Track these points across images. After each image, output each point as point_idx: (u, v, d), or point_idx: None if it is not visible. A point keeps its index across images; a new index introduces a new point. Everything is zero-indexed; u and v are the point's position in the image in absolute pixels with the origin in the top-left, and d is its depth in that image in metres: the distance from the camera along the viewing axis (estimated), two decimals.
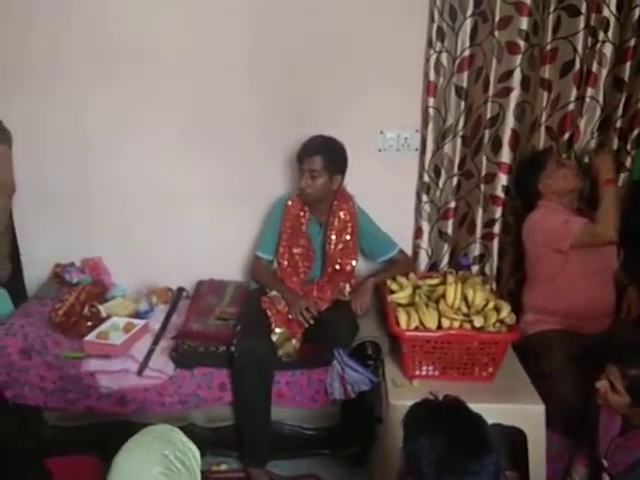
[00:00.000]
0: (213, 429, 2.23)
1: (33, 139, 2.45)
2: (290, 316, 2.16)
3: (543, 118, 2.34)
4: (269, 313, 2.16)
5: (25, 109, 2.41)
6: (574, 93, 2.28)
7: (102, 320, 2.35)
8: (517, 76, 2.25)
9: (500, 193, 2.42)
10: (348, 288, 2.31)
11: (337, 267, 2.32)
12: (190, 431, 2.14)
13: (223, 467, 2.23)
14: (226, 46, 2.32)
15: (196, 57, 2.34)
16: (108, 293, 2.57)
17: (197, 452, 1.23)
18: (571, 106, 2.30)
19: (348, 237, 2.30)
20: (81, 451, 1.78)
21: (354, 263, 2.34)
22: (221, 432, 2.22)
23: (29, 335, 2.18)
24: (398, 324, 1.96)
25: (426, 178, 2.42)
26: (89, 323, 2.31)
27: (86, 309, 2.35)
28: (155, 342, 2.25)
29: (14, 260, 2.52)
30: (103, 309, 2.41)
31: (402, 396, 1.89)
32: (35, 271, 2.65)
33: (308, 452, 2.24)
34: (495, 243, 2.51)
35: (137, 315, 2.44)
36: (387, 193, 2.46)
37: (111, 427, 2.15)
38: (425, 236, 2.52)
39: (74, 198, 2.57)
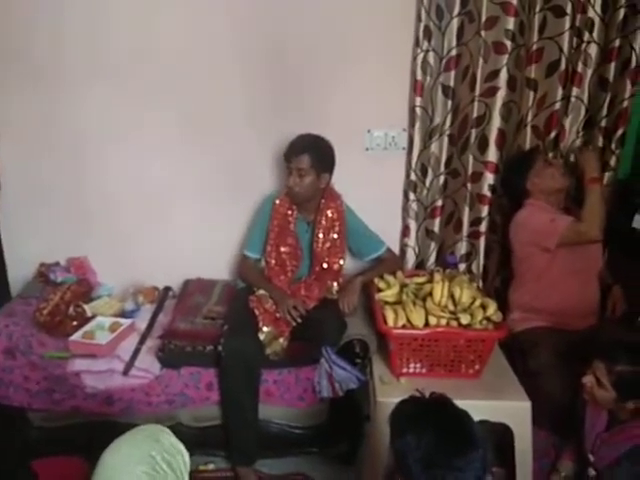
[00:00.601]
0: (200, 428, 2.22)
1: (19, 137, 2.42)
2: (278, 315, 2.16)
3: (529, 117, 2.36)
4: (257, 312, 2.16)
5: (11, 107, 2.38)
6: (560, 93, 2.30)
7: (87, 320, 2.32)
8: (503, 76, 2.27)
9: (487, 192, 2.44)
10: (336, 286, 2.32)
11: (325, 266, 2.32)
12: (177, 431, 2.08)
13: (211, 467, 2.22)
14: (215, 47, 2.32)
15: (184, 58, 2.32)
16: (94, 292, 2.55)
17: (186, 454, 1.23)
18: (557, 105, 2.32)
19: (336, 236, 2.31)
20: (67, 452, 1.77)
21: (342, 262, 2.34)
22: (208, 431, 2.21)
23: (13, 335, 2.16)
24: (385, 322, 1.97)
25: (413, 177, 2.43)
26: (74, 323, 2.29)
27: (71, 309, 2.33)
28: (141, 342, 2.23)
29: None
30: (88, 308, 2.39)
31: (390, 393, 1.89)
32: (19, 270, 2.62)
33: (296, 451, 2.24)
34: (482, 241, 2.52)
35: (123, 314, 2.42)
36: (374, 192, 2.47)
37: (97, 427, 2.13)
38: (412, 234, 2.52)
39: (60, 197, 2.54)
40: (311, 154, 2.17)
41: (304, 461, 2.24)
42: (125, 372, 2.11)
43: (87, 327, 2.27)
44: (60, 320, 2.28)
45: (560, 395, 1.98)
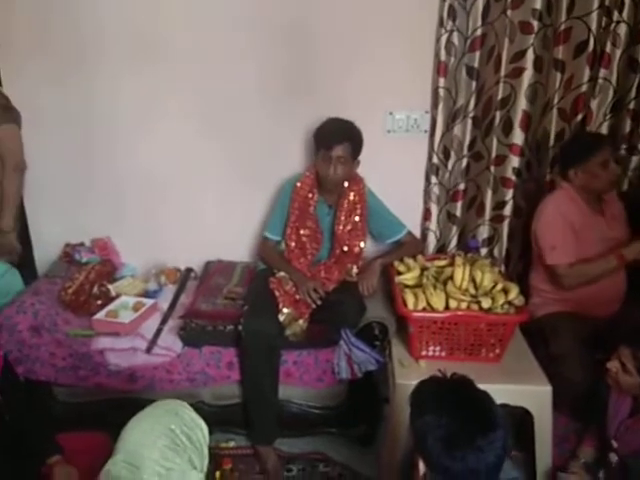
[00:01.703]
0: (221, 406, 2.25)
1: (44, 119, 2.45)
2: (297, 297, 2.17)
3: (556, 99, 2.30)
4: (276, 293, 2.17)
5: (39, 90, 2.41)
6: (587, 74, 2.25)
7: (111, 299, 2.37)
8: (530, 56, 2.23)
9: (511, 175, 2.40)
10: (355, 269, 2.31)
11: (345, 248, 2.32)
12: (199, 408, 2.10)
13: (231, 444, 2.26)
14: (233, 29, 2.31)
15: (203, 42, 2.33)
16: (117, 273, 2.59)
17: (205, 428, 1.25)
18: (584, 87, 2.27)
19: (357, 218, 2.30)
20: (90, 427, 1.80)
21: (362, 245, 2.34)
22: (229, 410, 2.24)
23: (39, 313, 2.20)
24: (405, 305, 1.96)
25: (435, 160, 2.41)
26: (98, 302, 2.34)
27: (95, 288, 2.37)
28: (164, 321, 2.27)
29: (24, 239, 2.54)
30: (112, 288, 2.43)
31: (409, 376, 1.89)
32: (45, 250, 2.68)
33: (315, 431, 2.26)
34: (505, 226, 2.49)
35: (146, 294, 2.46)
36: (396, 175, 2.45)
37: (120, 404, 2.17)
38: (433, 218, 2.51)
39: (84, 179, 2.58)
40: (351, 142, 2.16)
41: (323, 441, 2.26)
42: (148, 350, 2.15)
43: (111, 306, 2.31)
44: (85, 299, 2.32)
45: (581, 380, 1.95)
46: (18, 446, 1.59)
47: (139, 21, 2.31)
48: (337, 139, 2.15)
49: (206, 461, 1.23)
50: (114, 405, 2.19)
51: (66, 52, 2.36)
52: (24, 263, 2.50)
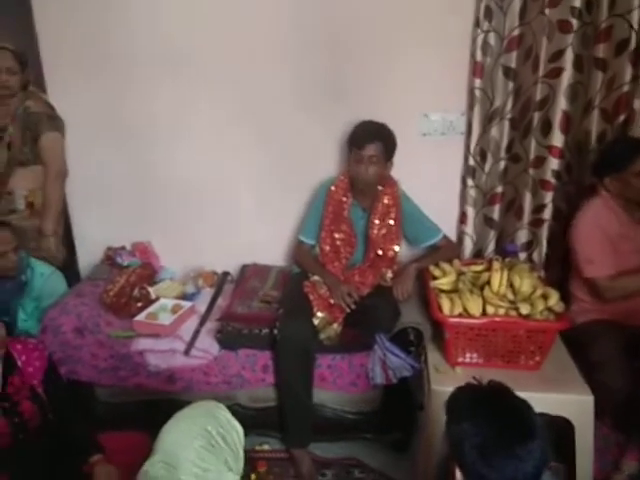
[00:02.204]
0: (257, 409, 2.26)
1: (86, 125, 2.53)
2: (332, 301, 2.17)
3: (597, 100, 2.24)
4: (311, 297, 2.18)
5: (80, 96, 2.48)
6: (629, 73, 2.17)
7: (151, 301, 2.42)
8: (569, 56, 2.17)
9: (550, 178, 2.34)
10: (390, 274, 2.30)
11: (380, 252, 2.30)
12: (235, 411, 2.12)
13: (266, 447, 2.27)
14: (270, 30, 2.33)
15: (244, 45, 2.35)
16: (157, 276, 2.65)
17: (241, 430, 1.26)
18: (626, 87, 2.19)
19: (392, 222, 2.29)
20: (130, 427, 1.84)
21: (397, 249, 2.32)
22: (265, 412, 2.26)
23: (82, 314, 2.27)
24: (441, 310, 1.94)
25: (472, 162, 2.37)
26: (139, 304, 2.40)
27: (136, 291, 2.43)
28: (201, 323, 2.31)
29: (68, 243, 2.63)
30: (152, 291, 2.48)
31: (445, 382, 1.87)
32: (88, 254, 2.76)
33: (350, 436, 2.25)
34: (544, 230, 2.43)
35: (184, 297, 2.50)
36: (431, 177, 2.43)
37: (160, 405, 2.21)
38: (470, 222, 2.47)
39: (126, 185, 2.65)
40: (383, 142, 2.17)
41: (358, 447, 2.25)
42: (186, 352, 2.19)
43: (151, 308, 2.36)
44: (126, 301, 2.39)
45: (621, 387, 1.89)
46: (61, 445, 1.65)
47: (173, 29, 2.36)
48: (369, 138, 2.16)
49: (241, 463, 1.24)
50: (154, 406, 2.23)
51: (107, 62, 2.43)
52: (68, 266, 2.59)
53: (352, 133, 2.23)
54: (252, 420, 2.20)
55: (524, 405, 1.17)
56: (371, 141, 2.16)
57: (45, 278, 2.33)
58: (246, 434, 1.29)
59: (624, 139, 2.21)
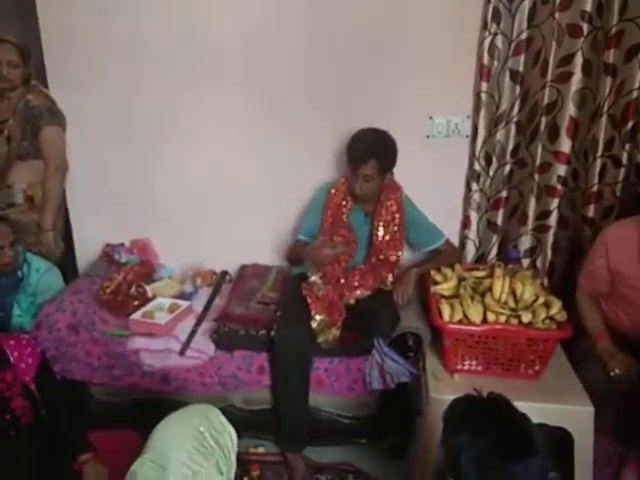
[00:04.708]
0: (252, 411, 2.24)
1: (86, 122, 2.51)
2: (330, 300, 2.14)
3: (606, 106, 2.20)
4: (309, 300, 2.15)
5: (79, 92, 2.46)
6: (639, 79, 2.13)
7: (148, 300, 2.40)
8: (578, 60, 2.14)
9: (556, 184, 2.31)
10: (390, 278, 2.27)
11: (381, 257, 2.28)
12: (229, 412, 2.15)
13: (260, 450, 2.25)
14: (279, 30, 2.31)
15: (253, 44, 2.34)
16: (155, 274, 2.63)
17: (234, 434, 1.23)
18: (635, 93, 2.14)
19: (395, 228, 2.26)
20: (124, 426, 1.82)
21: (399, 254, 2.30)
22: (259, 415, 2.23)
23: (78, 311, 2.25)
24: (441, 316, 1.91)
25: (476, 166, 2.34)
26: (135, 302, 2.37)
27: (133, 289, 2.41)
28: (198, 323, 2.28)
29: (66, 239, 2.61)
30: (150, 289, 2.46)
31: (443, 390, 1.84)
32: (87, 250, 2.74)
33: (345, 440, 2.23)
34: (549, 236, 2.40)
35: (181, 296, 2.48)
36: (435, 181, 2.40)
37: (154, 405, 2.19)
38: (473, 226, 2.44)
39: (126, 181, 2.62)
40: (378, 159, 2.10)
41: (353, 452, 2.22)
42: (181, 352, 2.16)
43: (147, 307, 2.34)
44: (122, 299, 2.36)
45: (625, 401, 1.85)
46: (51, 443, 1.63)
47: (181, 23, 2.34)
48: (363, 157, 2.10)
49: (233, 468, 1.21)
50: (148, 406, 2.20)
51: (110, 56, 2.41)
52: (66, 262, 2.57)
53: (348, 146, 2.17)
54: (247, 422, 2.19)
55: (524, 419, 1.14)
56: (365, 161, 2.09)
57: (41, 274, 2.31)
58: (240, 436, 1.27)
59: None
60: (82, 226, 2.71)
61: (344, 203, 2.25)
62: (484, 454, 1.07)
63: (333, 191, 2.27)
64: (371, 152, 2.10)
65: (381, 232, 2.25)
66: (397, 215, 2.25)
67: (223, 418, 1.24)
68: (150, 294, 2.44)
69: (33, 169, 2.38)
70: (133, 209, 2.67)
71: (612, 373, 1.88)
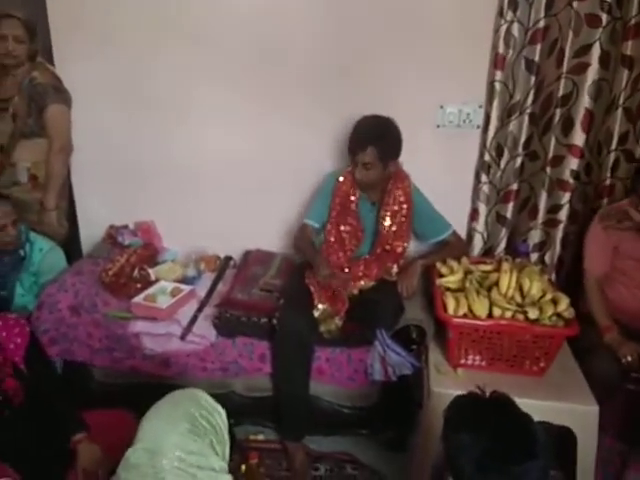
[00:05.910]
0: (253, 398, 2.23)
1: (92, 102, 2.48)
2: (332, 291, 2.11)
3: (622, 99, 2.15)
4: (312, 289, 2.12)
5: (86, 72, 2.43)
6: None
7: (151, 283, 2.38)
8: (596, 51, 2.09)
9: (568, 178, 2.27)
10: (395, 268, 2.24)
11: (387, 247, 2.25)
12: (230, 399, 2.16)
13: (260, 437, 2.24)
14: (291, 15, 2.26)
15: (259, 27, 2.30)
16: (159, 257, 2.61)
17: (224, 413, 1.24)
18: None
19: (403, 219, 2.22)
20: (126, 408, 1.80)
21: (405, 245, 2.26)
22: (260, 402, 2.22)
23: (80, 293, 2.24)
24: (445, 309, 1.88)
25: (487, 157, 2.30)
26: (138, 285, 2.35)
27: (136, 271, 2.40)
28: (200, 308, 2.26)
29: (71, 219, 2.60)
30: (153, 272, 2.44)
31: (445, 384, 1.83)
32: (91, 231, 2.73)
33: (345, 431, 2.21)
34: (559, 231, 2.36)
35: (184, 280, 2.46)
36: (444, 171, 2.36)
37: (155, 388, 2.17)
38: (481, 219, 2.40)
39: (131, 162, 2.60)
40: (376, 146, 2.06)
41: (353, 442, 2.21)
42: (182, 337, 2.15)
43: (149, 290, 2.32)
44: (124, 282, 2.35)
45: (630, 399, 1.83)
46: (45, 423, 1.62)
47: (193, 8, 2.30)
48: (362, 144, 2.07)
49: (227, 447, 1.22)
50: (149, 389, 2.18)
51: (117, 35, 2.38)
52: (70, 242, 2.56)
53: (350, 134, 2.13)
54: (247, 409, 2.18)
55: (527, 420, 1.11)
56: (363, 148, 2.06)
57: (44, 253, 2.29)
58: (240, 423, 1.26)
59: None
60: (87, 207, 2.69)
61: (352, 191, 2.22)
62: (485, 455, 1.04)
63: (341, 178, 2.24)
64: (369, 139, 2.06)
65: (388, 222, 2.21)
66: (405, 206, 2.21)
67: (210, 398, 1.25)
68: (153, 277, 2.42)
69: (37, 148, 2.35)
70: (138, 191, 2.65)
71: (624, 360, 1.89)
